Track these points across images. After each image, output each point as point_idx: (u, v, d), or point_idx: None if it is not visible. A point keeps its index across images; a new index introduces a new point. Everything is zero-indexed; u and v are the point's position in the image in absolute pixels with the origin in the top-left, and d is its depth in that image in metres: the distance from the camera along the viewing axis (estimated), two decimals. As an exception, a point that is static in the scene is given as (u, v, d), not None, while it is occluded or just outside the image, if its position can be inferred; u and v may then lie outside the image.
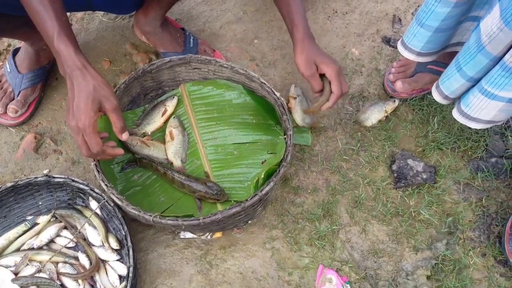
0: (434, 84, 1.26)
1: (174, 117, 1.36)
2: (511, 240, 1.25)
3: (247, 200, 1.12)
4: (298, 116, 1.40)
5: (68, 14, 1.62)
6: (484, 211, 1.31)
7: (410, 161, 1.36)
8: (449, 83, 1.17)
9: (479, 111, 1.11)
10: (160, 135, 1.37)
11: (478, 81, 1.10)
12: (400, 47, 1.31)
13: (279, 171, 1.16)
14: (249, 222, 1.28)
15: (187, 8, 1.72)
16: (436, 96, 1.24)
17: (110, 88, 1.02)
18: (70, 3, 1.08)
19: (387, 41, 1.63)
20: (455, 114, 1.20)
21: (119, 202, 1.12)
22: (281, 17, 1.67)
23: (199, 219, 1.10)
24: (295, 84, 1.47)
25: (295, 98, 1.43)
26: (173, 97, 1.41)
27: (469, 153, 1.40)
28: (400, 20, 1.68)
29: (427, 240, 1.27)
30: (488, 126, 1.16)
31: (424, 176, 1.34)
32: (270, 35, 1.65)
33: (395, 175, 1.35)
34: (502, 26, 0.95)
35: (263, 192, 1.13)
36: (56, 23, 0.97)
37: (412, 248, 1.26)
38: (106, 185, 1.14)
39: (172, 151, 1.32)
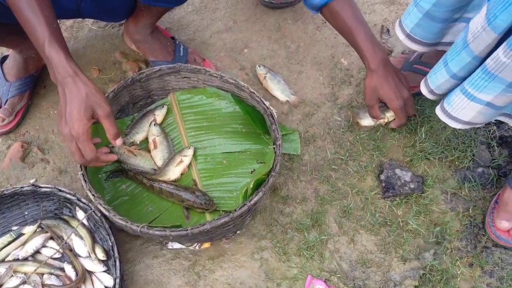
0: (423, 80, 1.26)
1: (154, 125, 1.35)
2: (492, 213, 1.28)
3: (235, 210, 1.12)
4: (277, 91, 1.49)
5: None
6: (471, 221, 1.32)
7: (398, 171, 1.37)
8: (435, 77, 1.19)
9: (459, 110, 1.13)
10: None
11: (462, 80, 1.11)
12: (397, 24, 1.33)
13: (268, 180, 1.16)
14: (238, 232, 1.27)
15: (177, 17, 1.73)
16: (423, 89, 1.25)
17: (102, 95, 1.02)
18: (59, 11, 1.08)
19: (376, 51, 1.65)
20: (438, 111, 1.21)
21: (106, 213, 1.12)
22: (271, 27, 1.70)
23: (187, 230, 1.10)
24: (259, 64, 1.54)
25: (264, 76, 1.48)
26: (163, 106, 1.41)
27: (456, 163, 1.41)
28: (388, 30, 1.70)
29: (415, 250, 1.28)
30: (467, 127, 1.17)
31: (412, 186, 1.35)
32: (259, 44, 1.66)
33: (383, 184, 1.36)
34: (485, 25, 0.96)
35: (252, 202, 1.12)
36: (47, 30, 0.98)
37: (400, 258, 1.26)
38: (93, 195, 1.13)
39: (159, 158, 1.32)
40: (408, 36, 1.29)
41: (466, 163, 1.40)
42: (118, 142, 1.08)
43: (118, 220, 1.10)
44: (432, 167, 1.40)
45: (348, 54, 1.64)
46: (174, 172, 1.29)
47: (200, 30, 1.70)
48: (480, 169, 1.39)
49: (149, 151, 1.34)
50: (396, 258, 1.27)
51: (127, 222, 1.10)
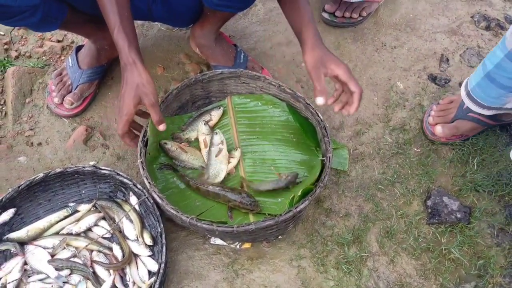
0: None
1: (204, 124, 1.40)
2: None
3: (281, 214, 1.14)
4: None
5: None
6: (517, 258, 1.29)
7: (445, 199, 1.36)
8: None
9: None
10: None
11: None
12: (465, 80, 1.33)
13: (315, 191, 1.18)
14: (279, 237, 1.30)
15: (241, 26, 1.80)
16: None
17: (152, 86, 1.13)
18: (133, 12, 1.17)
19: (433, 79, 1.65)
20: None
21: (159, 200, 1.17)
22: (330, 45, 1.74)
23: (233, 227, 1.13)
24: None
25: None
26: (219, 108, 1.46)
27: (506, 198, 1.38)
28: (447, 60, 1.70)
29: (455, 280, 1.26)
30: None
31: (459, 216, 1.33)
32: (318, 60, 1.69)
33: (429, 210, 1.35)
34: None
35: (298, 209, 1.15)
36: (118, 19, 1.10)
37: (439, 285, 1.25)
38: (149, 182, 1.19)
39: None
40: (468, 94, 1.28)
41: (517, 200, 1.37)
42: (162, 127, 1.19)
43: (169, 208, 1.16)
44: (481, 199, 1.38)
45: (405, 78, 1.65)
46: (222, 174, 1.33)
47: (261, 40, 1.76)
48: (531, 208, 1.36)
49: (199, 150, 1.39)
50: (435, 285, 1.25)
51: (178, 211, 1.15)
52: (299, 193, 1.19)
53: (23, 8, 1.13)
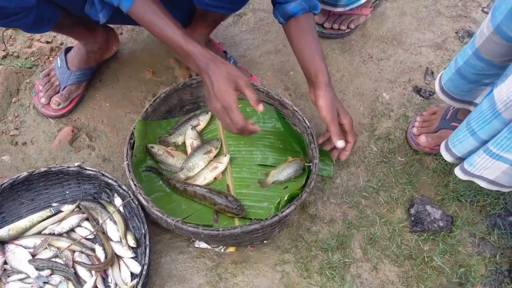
0: (444, 146, 1.28)
1: (192, 129, 1.41)
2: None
3: (267, 219, 1.15)
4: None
5: (120, 26, 1.74)
6: (497, 267, 1.31)
7: (428, 207, 1.38)
8: (462, 146, 1.21)
9: (483, 170, 1.15)
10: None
11: (485, 143, 1.13)
12: (438, 77, 1.37)
13: (301, 196, 1.20)
14: (264, 241, 1.30)
15: (231, 34, 1.82)
16: (447, 157, 1.28)
17: (238, 70, 1.14)
18: (125, 18, 1.18)
19: (418, 91, 1.69)
20: (458, 172, 1.24)
21: (144, 203, 1.17)
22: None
23: (219, 230, 1.13)
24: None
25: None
26: (207, 113, 1.47)
27: (488, 208, 1.41)
28: (432, 73, 1.74)
29: (437, 287, 1.27)
30: (492, 187, 1.19)
31: (441, 224, 1.36)
32: (306, 69, 1.72)
33: (412, 218, 1.37)
34: None
35: (284, 214, 1.16)
36: (179, 31, 1.12)
37: (421, 293, 1.26)
38: (135, 184, 1.19)
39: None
40: (441, 88, 1.33)
41: (497, 210, 1.40)
42: (260, 107, 1.14)
43: (155, 211, 1.15)
44: (463, 208, 1.40)
45: (390, 89, 1.68)
46: (207, 176, 1.34)
47: (251, 48, 1.78)
48: (511, 218, 1.39)
49: (186, 154, 1.40)
50: (417, 292, 1.26)
51: (164, 214, 1.15)
52: (286, 198, 1.19)
53: (17, 10, 1.13)
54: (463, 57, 1.21)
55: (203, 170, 1.35)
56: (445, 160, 1.46)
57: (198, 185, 1.31)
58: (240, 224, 1.25)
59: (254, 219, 1.24)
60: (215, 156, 1.38)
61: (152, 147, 1.36)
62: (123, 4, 1.11)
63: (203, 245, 1.30)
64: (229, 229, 1.14)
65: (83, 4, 1.26)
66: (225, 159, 1.36)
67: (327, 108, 1.24)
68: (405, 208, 1.41)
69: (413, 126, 1.52)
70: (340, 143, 1.24)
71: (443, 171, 1.47)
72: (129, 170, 1.21)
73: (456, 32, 1.87)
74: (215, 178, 1.35)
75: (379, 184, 1.43)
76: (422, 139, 1.47)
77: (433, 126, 1.49)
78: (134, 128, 1.30)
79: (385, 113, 1.62)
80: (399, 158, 1.51)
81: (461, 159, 1.24)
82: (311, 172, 1.26)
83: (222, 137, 1.45)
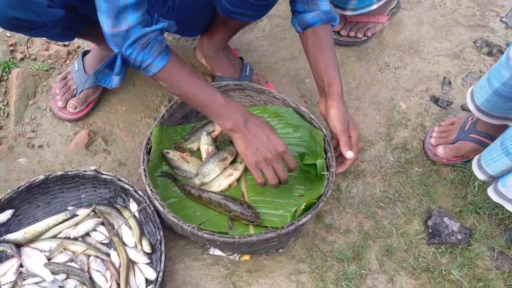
0: (476, 163, 1.29)
1: (206, 135, 1.40)
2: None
3: (283, 227, 1.14)
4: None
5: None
6: (516, 282, 1.29)
7: (446, 220, 1.36)
8: (496, 165, 1.20)
9: None
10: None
11: None
12: (468, 94, 1.35)
13: (318, 205, 1.18)
14: (280, 250, 1.29)
15: (247, 40, 1.82)
16: (480, 176, 1.27)
17: (276, 134, 1.19)
18: None
19: (435, 100, 1.67)
20: (490, 192, 1.23)
21: (160, 208, 1.16)
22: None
23: (234, 238, 1.12)
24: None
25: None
26: None
27: (507, 222, 1.38)
28: (450, 83, 1.73)
29: (454, 301, 1.25)
30: None
31: (459, 237, 1.33)
32: (322, 77, 1.71)
33: (430, 230, 1.35)
34: None
35: (300, 222, 1.14)
36: (220, 95, 1.17)
37: (438, 306, 1.24)
38: (151, 190, 1.18)
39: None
40: (478, 108, 1.32)
41: (517, 224, 1.37)
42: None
43: (170, 217, 1.14)
44: (482, 221, 1.38)
45: (407, 98, 1.67)
46: (222, 183, 1.32)
47: (266, 55, 1.78)
48: (531, 232, 1.36)
49: (201, 160, 1.39)
50: (435, 306, 1.24)
51: (179, 220, 1.14)
52: (303, 207, 1.18)
53: (46, 22, 1.14)
54: (498, 79, 1.20)
55: (218, 177, 1.34)
56: (463, 172, 1.45)
57: (213, 192, 1.30)
58: (255, 231, 1.24)
59: (270, 227, 1.22)
60: (231, 163, 1.37)
61: (167, 152, 1.35)
62: (156, 63, 1.11)
63: (217, 252, 1.29)
64: (245, 237, 1.12)
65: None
66: (240, 166, 1.35)
67: (339, 118, 1.24)
68: (422, 219, 1.39)
69: (431, 136, 1.51)
70: (349, 154, 1.24)
71: (461, 182, 1.46)
72: (145, 175, 1.21)
73: (474, 42, 1.86)
74: (229, 185, 1.34)
75: (396, 195, 1.42)
76: (440, 150, 1.45)
77: (451, 137, 1.47)
78: (151, 134, 1.29)
79: (402, 122, 1.60)
80: (416, 169, 1.49)
81: (495, 178, 1.23)
82: (328, 180, 1.24)
83: None
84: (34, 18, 1.09)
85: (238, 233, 1.25)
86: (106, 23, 1.06)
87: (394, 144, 1.54)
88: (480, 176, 1.27)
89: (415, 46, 1.83)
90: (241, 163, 1.36)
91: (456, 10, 1.96)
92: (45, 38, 1.71)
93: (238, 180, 1.36)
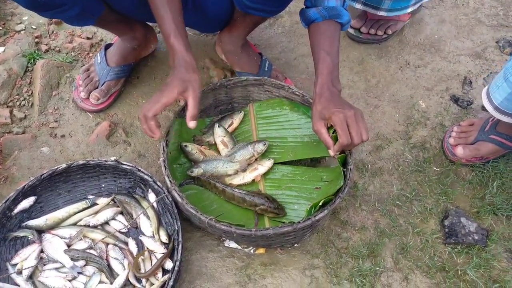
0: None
1: (218, 126, 1.40)
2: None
3: (299, 222, 1.14)
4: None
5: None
6: (533, 285, 1.27)
7: (463, 220, 1.35)
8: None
9: None
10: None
11: None
12: (483, 95, 1.34)
13: (334, 201, 1.18)
14: (295, 245, 1.29)
15: (267, 36, 1.82)
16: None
17: (199, 83, 1.16)
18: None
19: (456, 100, 1.66)
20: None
21: (179, 199, 1.17)
22: (354, 59, 1.76)
23: (251, 231, 1.13)
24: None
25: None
26: (240, 111, 1.47)
27: (526, 224, 1.37)
28: (471, 82, 1.71)
29: (470, 302, 1.24)
30: None
31: (476, 237, 1.32)
32: (340, 73, 1.68)
33: (446, 230, 1.34)
34: None
35: (316, 218, 1.15)
36: (173, 25, 1.15)
37: (453, 306, 1.23)
38: (170, 181, 1.20)
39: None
40: (497, 108, 1.30)
41: (536, 226, 1.35)
42: (192, 124, 1.15)
43: (189, 208, 1.16)
44: (499, 223, 1.37)
45: (427, 97, 1.65)
46: (246, 177, 1.33)
47: (286, 51, 1.78)
48: (550, 235, 1.34)
49: (218, 152, 1.40)
50: (449, 306, 1.24)
51: (197, 211, 1.15)
52: (320, 203, 1.18)
53: (64, 1, 1.17)
54: None
55: (244, 172, 1.34)
56: (482, 172, 1.43)
57: (236, 188, 1.30)
58: (271, 225, 1.25)
59: (289, 222, 1.22)
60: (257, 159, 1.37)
61: (186, 146, 1.37)
62: None
63: (233, 244, 1.30)
64: (261, 230, 1.13)
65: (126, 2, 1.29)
66: (268, 163, 1.34)
67: (313, 119, 1.20)
68: (439, 219, 1.38)
69: (450, 136, 1.49)
70: (331, 153, 1.18)
71: (479, 183, 1.44)
72: (165, 167, 1.22)
73: (496, 42, 1.83)
74: (253, 180, 1.34)
75: (413, 194, 1.41)
76: (459, 150, 1.44)
77: (470, 138, 1.46)
78: (171, 126, 1.31)
79: (421, 121, 1.59)
80: (434, 168, 1.48)
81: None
82: (345, 177, 1.24)
83: (255, 138, 1.45)
84: None
85: (253, 226, 1.26)
86: None
87: (413, 143, 1.53)
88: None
89: (436, 45, 1.81)
90: (268, 159, 1.36)
91: (479, 9, 1.93)
92: (70, 30, 1.75)
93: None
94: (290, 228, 1.14)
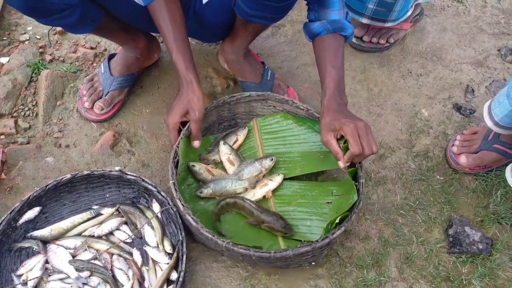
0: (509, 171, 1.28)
1: (224, 144, 1.38)
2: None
3: (317, 241, 1.13)
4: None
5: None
6: (538, 295, 1.27)
7: (467, 229, 1.35)
8: None
9: None
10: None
11: None
12: (485, 109, 1.34)
13: (350, 217, 1.17)
14: (313, 263, 1.28)
15: (269, 45, 1.83)
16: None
17: (201, 104, 1.24)
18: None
19: (458, 108, 1.66)
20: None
21: (193, 223, 1.14)
22: (356, 68, 1.77)
23: (270, 253, 1.11)
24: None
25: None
26: (244, 127, 1.45)
27: (530, 233, 1.37)
28: (473, 91, 1.71)
29: (475, 312, 1.24)
30: None
31: (480, 247, 1.32)
32: (343, 82, 1.71)
33: (451, 239, 1.34)
34: None
35: (334, 235, 1.13)
36: (174, 41, 1.24)
37: (458, 316, 1.23)
38: (182, 204, 1.17)
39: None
40: (497, 124, 1.31)
41: (540, 235, 1.35)
42: (196, 143, 1.29)
43: (204, 232, 1.13)
44: (504, 232, 1.37)
45: (430, 106, 1.66)
46: (257, 193, 1.31)
47: (288, 60, 1.79)
48: (555, 244, 1.34)
49: (225, 171, 1.37)
50: (454, 315, 1.23)
51: (214, 236, 1.12)
52: (337, 220, 1.16)
53: (62, 6, 1.19)
54: None
55: (254, 188, 1.32)
56: (486, 181, 1.44)
57: (249, 200, 1.27)
58: (284, 245, 1.22)
59: (304, 241, 1.20)
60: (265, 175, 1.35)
61: (193, 165, 1.33)
62: None
63: (237, 255, 1.30)
64: (280, 252, 1.11)
65: (126, 5, 1.30)
66: (277, 178, 1.32)
67: (321, 131, 1.20)
68: (443, 228, 1.38)
69: (453, 145, 1.50)
70: (341, 164, 1.17)
71: (483, 191, 1.44)
72: (175, 190, 1.19)
73: (498, 50, 1.84)
74: (264, 196, 1.31)
75: (417, 203, 1.41)
76: (463, 159, 1.44)
77: (474, 146, 1.46)
78: (177, 147, 1.28)
79: (424, 129, 1.59)
80: (438, 177, 1.48)
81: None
82: (358, 191, 1.21)
83: (260, 154, 1.42)
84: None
85: (267, 246, 1.22)
86: None
87: (416, 152, 1.54)
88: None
89: (438, 53, 1.82)
90: (278, 175, 1.34)
91: (480, 18, 1.94)
92: (73, 40, 1.77)
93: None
94: (309, 248, 1.12)
